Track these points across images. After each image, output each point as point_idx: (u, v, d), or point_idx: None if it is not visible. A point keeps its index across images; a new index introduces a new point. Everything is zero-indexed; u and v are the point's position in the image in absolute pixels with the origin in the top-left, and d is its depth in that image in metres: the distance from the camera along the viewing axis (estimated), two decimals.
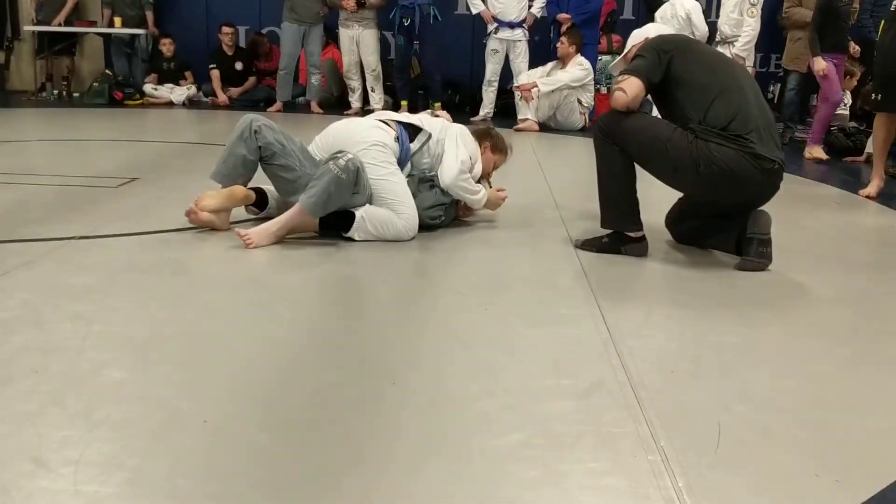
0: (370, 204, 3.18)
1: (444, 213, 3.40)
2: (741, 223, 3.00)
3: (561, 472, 1.52)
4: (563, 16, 7.76)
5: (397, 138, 3.30)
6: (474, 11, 7.93)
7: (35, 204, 3.66)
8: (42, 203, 3.68)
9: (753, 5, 6.70)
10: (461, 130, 3.49)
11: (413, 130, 3.40)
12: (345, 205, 3.09)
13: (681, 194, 3.25)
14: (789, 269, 3.01)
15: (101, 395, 1.75)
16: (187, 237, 3.13)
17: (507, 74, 8.07)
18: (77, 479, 1.43)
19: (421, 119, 3.50)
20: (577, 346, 2.17)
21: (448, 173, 3.33)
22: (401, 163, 3.30)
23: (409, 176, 3.35)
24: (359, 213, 3.12)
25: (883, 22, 4.88)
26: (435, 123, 3.48)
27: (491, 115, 8.04)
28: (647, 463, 1.56)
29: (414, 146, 3.36)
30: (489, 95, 8.05)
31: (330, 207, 3.04)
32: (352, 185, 3.04)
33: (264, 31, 9.09)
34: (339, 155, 3.05)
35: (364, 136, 3.22)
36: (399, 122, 3.40)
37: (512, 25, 7.81)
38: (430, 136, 3.40)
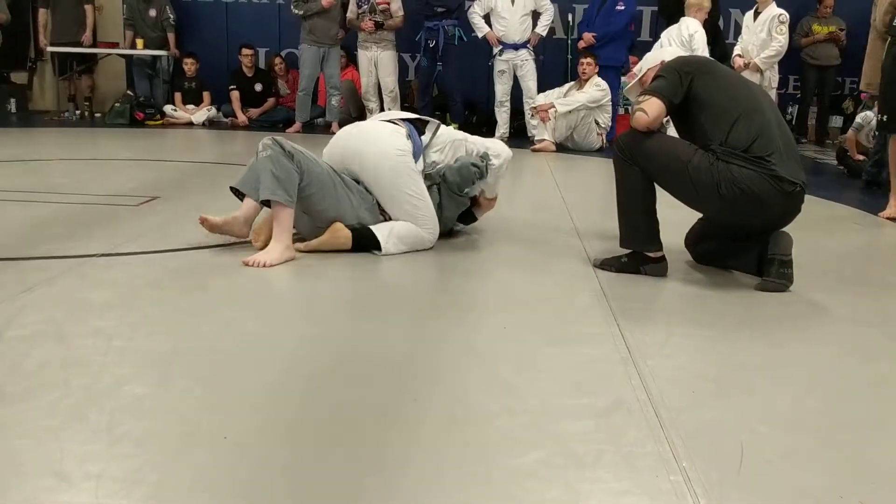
0: (382, 209, 3.29)
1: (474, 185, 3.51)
2: (762, 244, 2.99)
3: (582, 492, 1.51)
4: (587, 35, 7.85)
5: (408, 135, 3.36)
6: (479, 35, 8.03)
7: (57, 221, 3.69)
8: (64, 221, 3.72)
9: (783, 23, 6.65)
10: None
11: (421, 124, 3.48)
12: (346, 211, 3.19)
13: (701, 215, 3.25)
14: (810, 289, 2.99)
15: (123, 410, 1.76)
16: (207, 254, 3.16)
17: (520, 95, 8.11)
18: (99, 493, 1.43)
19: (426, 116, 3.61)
20: (597, 365, 2.16)
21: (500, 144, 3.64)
22: (414, 156, 3.36)
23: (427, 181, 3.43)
24: (384, 238, 3.19)
25: (889, 39, 4.77)
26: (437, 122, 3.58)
27: (506, 135, 8.05)
28: (669, 483, 1.55)
29: (425, 139, 3.43)
30: (503, 116, 8.10)
31: (284, 184, 3.00)
32: (281, 154, 3.03)
33: (283, 52, 9.19)
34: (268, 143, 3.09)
35: (385, 148, 3.28)
36: (405, 120, 3.47)
37: (516, 47, 7.87)
38: (438, 126, 3.48)
